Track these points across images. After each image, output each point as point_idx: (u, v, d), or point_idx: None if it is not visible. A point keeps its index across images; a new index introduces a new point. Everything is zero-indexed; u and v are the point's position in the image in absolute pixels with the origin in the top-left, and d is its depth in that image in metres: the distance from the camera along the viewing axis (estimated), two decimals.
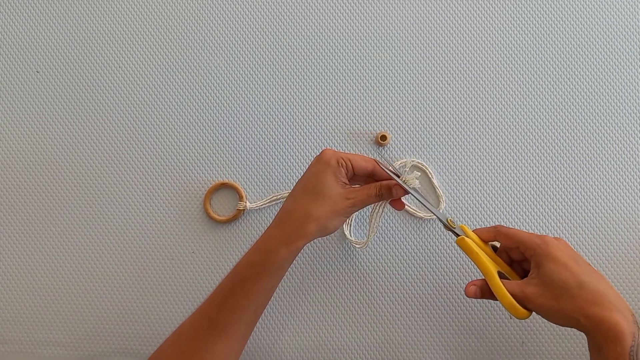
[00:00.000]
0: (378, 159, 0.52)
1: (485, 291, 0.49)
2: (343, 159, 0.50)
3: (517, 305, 0.47)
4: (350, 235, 0.61)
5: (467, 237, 0.51)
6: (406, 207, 0.61)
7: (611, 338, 0.43)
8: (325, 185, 0.49)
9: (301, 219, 0.49)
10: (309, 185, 0.50)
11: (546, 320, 0.48)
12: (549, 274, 0.46)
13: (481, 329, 0.60)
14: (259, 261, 0.49)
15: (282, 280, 0.60)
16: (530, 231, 0.62)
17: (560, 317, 0.46)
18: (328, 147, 0.52)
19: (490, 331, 0.60)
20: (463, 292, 0.60)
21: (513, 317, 0.48)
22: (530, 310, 0.47)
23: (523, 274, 0.52)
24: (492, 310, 0.60)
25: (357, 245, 0.61)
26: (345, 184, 0.51)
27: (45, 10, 0.68)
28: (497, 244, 0.54)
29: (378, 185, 0.51)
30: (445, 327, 0.60)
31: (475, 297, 0.50)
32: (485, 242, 0.52)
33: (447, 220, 0.52)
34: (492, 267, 0.49)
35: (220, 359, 0.49)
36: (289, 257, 0.50)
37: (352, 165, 0.50)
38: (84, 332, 0.62)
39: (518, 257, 0.52)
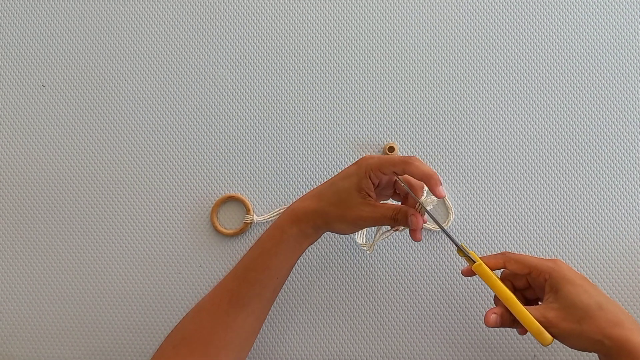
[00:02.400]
0: (398, 177, 0.50)
1: (506, 319, 0.47)
2: (372, 170, 0.48)
3: (544, 330, 0.45)
4: (360, 239, 0.60)
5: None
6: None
7: (635, 358, 0.43)
8: (345, 190, 0.49)
9: (314, 207, 0.51)
10: (335, 183, 0.51)
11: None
12: (569, 296, 0.45)
13: (492, 342, 0.59)
14: (277, 233, 0.51)
15: (285, 289, 0.61)
16: (543, 246, 0.61)
17: (583, 340, 0.45)
18: (369, 155, 0.51)
19: (502, 344, 0.59)
20: (472, 304, 0.60)
21: (539, 343, 0.46)
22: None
23: (525, 302, 0.50)
24: None
25: (363, 248, 0.60)
26: (369, 195, 0.49)
27: (50, 23, 0.68)
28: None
29: (396, 209, 0.49)
30: (454, 339, 0.60)
31: (496, 326, 0.47)
32: (492, 269, 0.50)
33: (461, 245, 0.50)
34: (511, 293, 0.47)
35: (240, 335, 0.50)
36: (303, 235, 0.51)
37: (381, 172, 0.48)
38: (93, 348, 0.62)
39: (522, 285, 0.51)
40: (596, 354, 0.47)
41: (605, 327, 0.44)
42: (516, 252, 0.51)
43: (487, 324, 0.47)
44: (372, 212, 0.49)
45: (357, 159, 0.63)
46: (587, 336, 0.44)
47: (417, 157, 0.63)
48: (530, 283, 0.50)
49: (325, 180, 0.55)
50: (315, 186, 0.63)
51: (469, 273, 0.50)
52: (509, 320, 0.47)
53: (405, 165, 0.48)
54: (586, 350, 0.46)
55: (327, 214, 0.50)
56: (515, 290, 0.51)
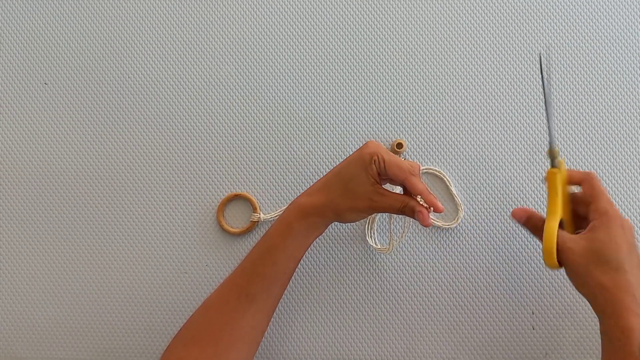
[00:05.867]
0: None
1: (529, 222, 0.51)
2: (377, 158, 0.49)
3: (554, 253, 0.47)
4: (374, 242, 0.60)
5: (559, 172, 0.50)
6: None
7: (622, 328, 0.44)
8: (352, 179, 0.49)
9: (323, 201, 0.50)
10: (340, 173, 0.51)
11: (571, 335, 0.49)
12: (600, 242, 0.46)
13: (504, 340, 0.59)
14: (284, 227, 0.51)
15: (293, 286, 0.60)
16: None
17: (584, 281, 0.46)
18: (373, 140, 0.52)
19: (514, 342, 0.59)
20: (484, 302, 0.59)
21: (544, 264, 0.48)
22: (561, 265, 0.47)
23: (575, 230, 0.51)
24: (515, 321, 0.59)
25: (381, 252, 0.59)
26: (376, 182, 0.49)
27: (52, 20, 0.67)
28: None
29: (404, 202, 0.49)
30: (466, 337, 0.59)
31: (517, 220, 0.52)
32: (570, 183, 0.51)
33: (555, 149, 0.50)
34: (560, 211, 0.49)
35: (249, 331, 0.50)
36: (312, 229, 0.51)
37: (384, 166, 0.49)
38: (97, 348, 0.61)
39: (582, 212, 0.51)
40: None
41: (609, 288, 0.45)
42: (600, 182, 0.50)
43: (513, 214, 0.53)
44: (380, 201, 0.49)
45: None
46: (589, 279, 0.46)
47: (425, 154, 0.62)
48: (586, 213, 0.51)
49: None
50: None
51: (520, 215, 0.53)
52: (532, 224, 0.51)
53: (407, 176, 0.49)
54: (582, 293, 0.48)
55: (337, 205, 0.50)
56: (573, 215, 0.52)
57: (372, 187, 0.49)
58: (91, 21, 0.66)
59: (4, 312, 0.62)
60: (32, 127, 0.65)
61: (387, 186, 0.54)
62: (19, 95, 0.65)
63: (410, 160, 0.53)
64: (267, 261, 0.50)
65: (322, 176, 0.62)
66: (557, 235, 0.47)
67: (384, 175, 0.50)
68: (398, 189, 0.57)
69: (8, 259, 0.63)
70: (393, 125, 0.63)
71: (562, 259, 0.47)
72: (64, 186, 0.64)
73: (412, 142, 0.63)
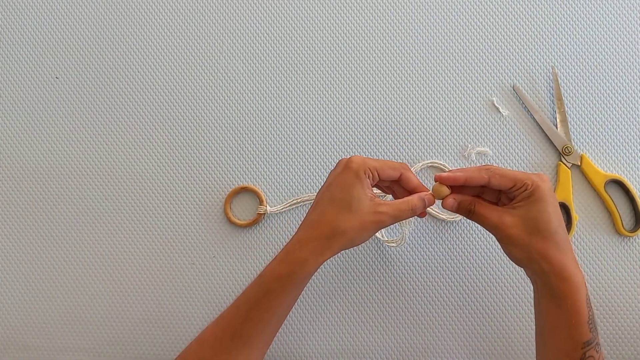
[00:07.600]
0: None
1: (460, 207, 0.50)
2: (370, 170, 0.48)
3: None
4: (382, 235, 0.60)
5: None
6: (428, 209, 0.61)
7: (573, 285, 0.46)
8: (354, 197, 0.47)
9: (328, 232, 0.47)
10: (337, 196, 0.48)
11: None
12: (537, 213, 0.47)
13: (514, 333, 0.59)
14: (285, 274, 0.47)
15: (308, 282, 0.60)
16: None
17: (524, 253, 0.47)
18: (356, 154, 0.50)
19: (524, 336, 0.59)
20: (493, 294, 0.60)
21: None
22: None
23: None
24: (524, 312, 0.59)
25: (392, 244, 0.60)
26: (373, 196, 0.49)
27: (64, 14, 0.68)
28: None
29: (412, 200, 0.49)
30: (474, 328, 0.60)
31: (452, 210, 0.50)
32: (476, 184, 0.50)
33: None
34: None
35: None
36: (314, 270, 0.48)
37: (378, 174, 0.49)
38: (106, 337, 0.62)
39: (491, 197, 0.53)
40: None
41: (549, 250, 0.46)
42: (500, 167, 0.51)
43: (445, 206, 0.50)
44: (389, 210, 0.48)
45: (367, 150, 0.63)
46: (528, 251, 0.46)
47: (429, 149, 0.63)
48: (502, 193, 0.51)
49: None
50: (326, 175, 0.62)
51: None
52: (464, 210, 0.50)
53: (403, 172, 0.50)
54: (523, 266, 0.49)
55: (345, 233, 0.47)
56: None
57: (373, 203, 0.48)
58: (101, 17, 0.67)
59: (14, 302, 0.63)
60: (44, 119, 0.66)
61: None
62: (31, 88, 0.66)
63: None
64: (263, 306, 0.48)
65: (328, 172, 0.63)
66: (493, 210, 0.48)
67: (376, 181, 0.49)
68: (388, 197, 0.58)
69: (18, 247, 0.64)
70: (397, 115, 0.64)
71: (501, 233, 0.48)
72: (73, 176, 0.65)
73: (416, 135, 0.63)
